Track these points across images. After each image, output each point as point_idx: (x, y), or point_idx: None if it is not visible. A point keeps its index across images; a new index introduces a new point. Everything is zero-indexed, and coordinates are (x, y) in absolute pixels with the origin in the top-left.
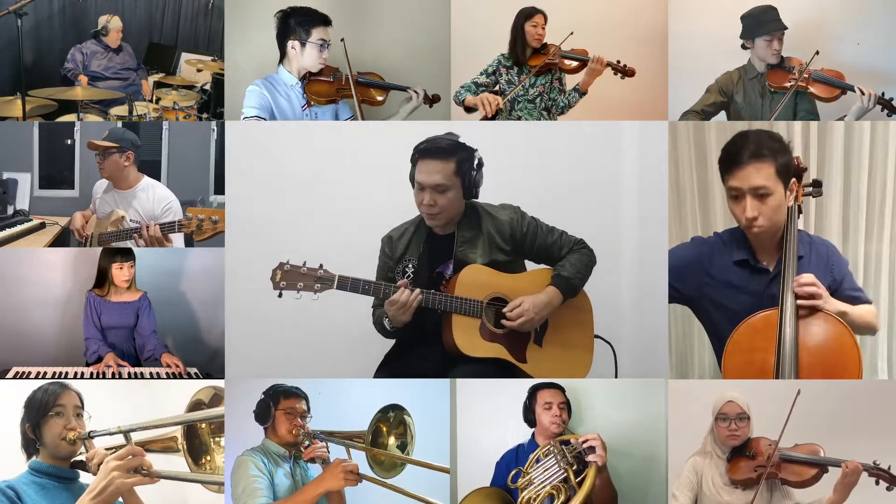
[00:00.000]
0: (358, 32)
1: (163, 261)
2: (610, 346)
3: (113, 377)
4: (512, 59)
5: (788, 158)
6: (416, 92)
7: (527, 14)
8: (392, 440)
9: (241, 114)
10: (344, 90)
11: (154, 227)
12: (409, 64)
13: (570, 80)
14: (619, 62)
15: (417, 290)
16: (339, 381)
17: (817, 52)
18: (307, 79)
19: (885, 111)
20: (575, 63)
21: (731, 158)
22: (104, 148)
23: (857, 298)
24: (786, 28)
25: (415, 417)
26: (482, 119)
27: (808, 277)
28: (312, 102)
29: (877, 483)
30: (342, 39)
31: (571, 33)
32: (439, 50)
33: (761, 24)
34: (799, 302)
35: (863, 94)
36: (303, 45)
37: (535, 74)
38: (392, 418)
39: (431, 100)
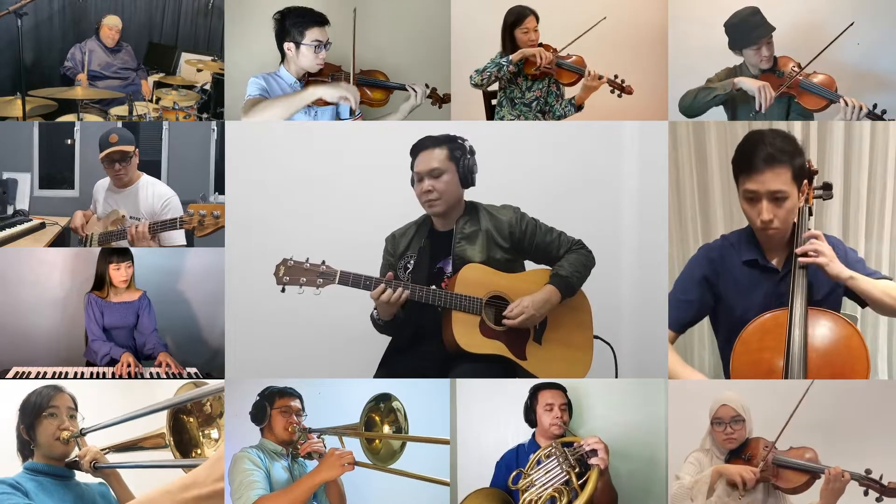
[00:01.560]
0: (358, 31)
1: (163, 260)
2: (610, 348)
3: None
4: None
5: (803, 161)
6: (414, 90)
7: (515, 17)
8: (386, 429)
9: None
10: None
11: (142, 225)
12: (408, 60)
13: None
14: (616, 77)
15: (400, 289)
16: (338, 381)
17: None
18: (305, 80)
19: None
20: (571, 74)
21: (749, 161)
22: (123, 153)
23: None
24: (773, 29)
25: (415, 418)
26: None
27: (814, 236)
28: (311, 103)
29: (866, 494)
30: (354, 9)
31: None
32: (439, 46)
33: (746, 34)
34: (802, 261)
35: (846, 104)
36: (298, 46)
37: (532, 79)
38: (383, 408)
39: (441, 99)
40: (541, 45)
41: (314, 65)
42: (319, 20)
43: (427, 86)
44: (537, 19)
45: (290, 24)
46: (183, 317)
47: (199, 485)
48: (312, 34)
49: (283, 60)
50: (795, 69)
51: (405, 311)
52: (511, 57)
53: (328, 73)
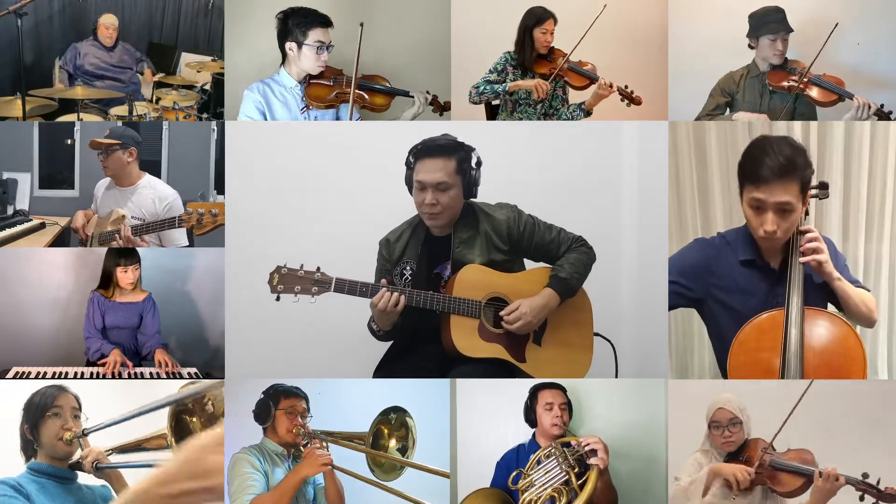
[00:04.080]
0: (357, 32)
1: (166, 260)
2: (610, 345)
3: (113, 376)
4: (517, 60)
5: (811, 172)
6: (419, 98)
7: (537, 18)
8: (393, 443)
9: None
10: (344, 95)
11: (125, 230)
12: (409, 65)
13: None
14: (626, 87)
15: (397, 296)
16: (339, 381)
17: (808, 67)
18: (307, 82)
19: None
20: (581, 78)
21: (758, 170)
22: (107, 145)
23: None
24: (791, 30)
25: (415, 418)
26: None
27: (813, 234)
28: (311, 106)
29: (862, 499)
30: (361, 23)
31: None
32: (439, 51)
33: (766, 24)
34: (802, 260)
35: (858, 103)
36: (300, 47)
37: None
38: (393, 420)
39: (442, 107)
40: (552, 49)
41: (315, 66)
42: (323, 21)
43: (428, 93)
44: (555, 22)
45: (294, 24)
46: (184, 316)
47: (169, 482)
48: (315, 35)
49: (283, 61)
50: (805, 68)
51: (402, 317)
52: (507, 86)
53: (330, 77)
